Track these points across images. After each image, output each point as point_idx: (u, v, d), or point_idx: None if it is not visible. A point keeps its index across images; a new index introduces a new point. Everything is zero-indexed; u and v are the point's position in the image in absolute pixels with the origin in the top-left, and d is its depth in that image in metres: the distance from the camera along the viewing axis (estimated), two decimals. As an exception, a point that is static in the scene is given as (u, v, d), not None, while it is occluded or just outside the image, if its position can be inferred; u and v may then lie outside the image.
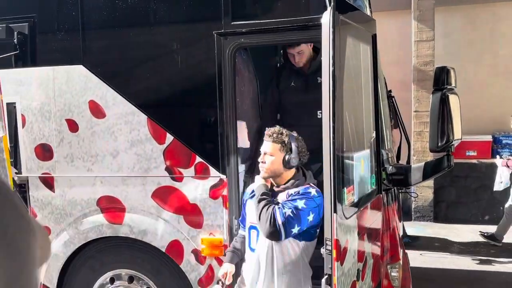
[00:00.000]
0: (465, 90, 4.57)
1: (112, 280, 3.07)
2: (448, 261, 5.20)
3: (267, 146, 2.31)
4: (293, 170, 2.33)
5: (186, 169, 2.79)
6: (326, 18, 2.03)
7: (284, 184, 2.33)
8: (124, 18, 2.88)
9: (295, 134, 2.34)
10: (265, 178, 2.34)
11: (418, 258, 5.14)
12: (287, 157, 2.26)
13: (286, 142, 2.27)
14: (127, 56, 2.89)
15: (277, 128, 2.32)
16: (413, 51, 6.68)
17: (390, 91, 3.76)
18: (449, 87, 2.50)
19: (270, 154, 2.29)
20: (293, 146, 2.27)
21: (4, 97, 2.83)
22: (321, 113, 3.07)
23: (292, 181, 2.30)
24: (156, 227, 2.88)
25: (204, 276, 2.84)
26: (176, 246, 2.85)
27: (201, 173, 2.77)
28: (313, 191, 2.24)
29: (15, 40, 2.99)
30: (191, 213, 2.82)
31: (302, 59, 3.27)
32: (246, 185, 3.08)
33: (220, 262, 2.80)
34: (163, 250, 2.87)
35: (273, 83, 3.51)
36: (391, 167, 2.82)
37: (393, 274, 2.85)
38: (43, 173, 3.02)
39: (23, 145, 3.03)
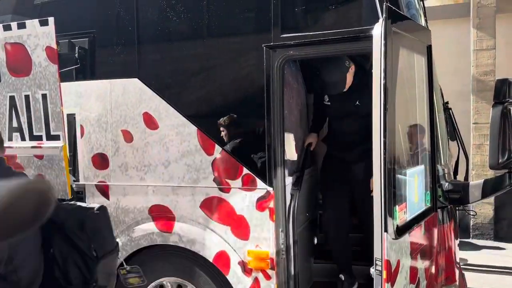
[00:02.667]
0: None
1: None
2: (510, 284, 4.86)
3: None
4: None
5: (234, 181, 2.81)
6: (377, 30, 1.98)
7: None
8: (177, 33, 2.96)
9: None
10: None
11: (477, 280, 4.84)
12: None
13: None
14: (179, 70, 2.97)
15: None
16: (472, 60, 6.37)
17: (447, 102, 3.60)
18: (511, 100, 2.35)
19: None
20: None
21: (64, 109, 3.00)
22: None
23: None
24: (204, 237, 2.91)
25: (250, 289, 2.82)
26: (223, 257, 2.87)
27: (248, 184, 2.78)
28: None
29: (76, 55, 3.16)
30: (237, 225, 2.82)
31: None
32: (293, 198, 3.06)
33: (266, 276, 2.78)
34: (211, 260, 2.90)
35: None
36: (447, 183, 2.68)
37: (448, 296, 2.70)
38: (99, 181, 3.15)
39: (81, 154, 3.18)
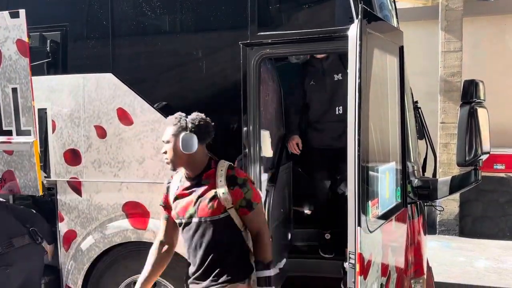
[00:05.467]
0: (493, 102, 4.47)
1: (135, 284, 3.11)
2: (474, 277, 5.06)
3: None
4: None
5: (210, 177, 2.81)
6: (353, 31, 2.03)
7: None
8: (152, 28, 2.94)
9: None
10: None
11: (442, 273, 5.02)
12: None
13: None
14: (154, 65, 2.95)
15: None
16: (440, 61, 6.58)
17: (416, 102, 3.71)
18: (477, 100, 2.45)
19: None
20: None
21: (36, 103, 2.93)
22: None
23: None
24: (179, 233, 2.90)
25: (225, 284, 2.84)
26: (198, 253, 2.87)
27: (225, 181, 2.78)
28: None
29: (47, 48, 3.09)
30: (213, 221, 2.83)
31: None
32: (268, 194, 3.09)
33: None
34: (186, 256, 2.89)
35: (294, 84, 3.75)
36: (417, 180, 2.78)
37: (416, 289, 2.80)
38: (71, 178, 3.09)
39: (52, 150, 3.11)
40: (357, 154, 2.00)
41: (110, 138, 2.99)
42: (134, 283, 3.10)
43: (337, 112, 3.53)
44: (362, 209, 2.04)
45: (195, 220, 2.16)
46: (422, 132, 3.66)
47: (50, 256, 3.11)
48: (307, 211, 4.04)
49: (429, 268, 3.29)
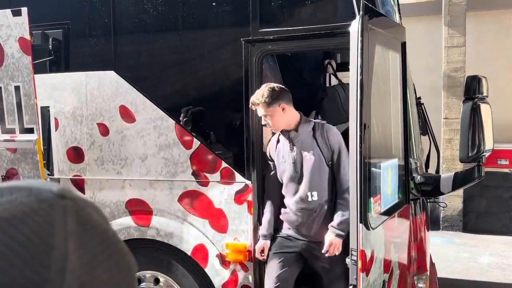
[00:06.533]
0: (497, 97, 4.46)
1: (138, 281, 3.13)
2: (478, 273, 5.06)
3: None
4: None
5: (212, 174, 2.82)
6: (354, 27, 2.03)
7: None
8: (154, 25, 2.94)
9: None
10: None
11: (446, 269, 5.02)
12: None
13: None
14: (156, 62, 2.96)
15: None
16: (443, 57, 6.55)
17: (419, 98, 3.70)
18: (480, 96, 2.44)
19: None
20: None
21: (38, 101, 2.94)
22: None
23: None
24: (182, 230, 2.92)
25: (228, 281, 2.85)
26: (201, 250, 2.88)
27: (227, 178, 2.80)
28: None
29: (49, 46, 3.10)
30: (216, 218, 2.84)
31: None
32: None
33: (244, 268, 2.82)
34: (189, 253, 2.91)
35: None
36: (419, 176, 2.78)
37: (420, 285, 2.80)
38: (74, 175, 3.10)
39: (55, 147, 3.12)
40: (359, 151, 2.00)
41: (113, 135, 3.00)
42: (138, 280, 3.13)
43: (309, 199, 2.61)
44: (364, 205, 2.04)
45: None
46: (425, 128, 3.65)
47: None
48: None
49: (432, 264, 3.29)
